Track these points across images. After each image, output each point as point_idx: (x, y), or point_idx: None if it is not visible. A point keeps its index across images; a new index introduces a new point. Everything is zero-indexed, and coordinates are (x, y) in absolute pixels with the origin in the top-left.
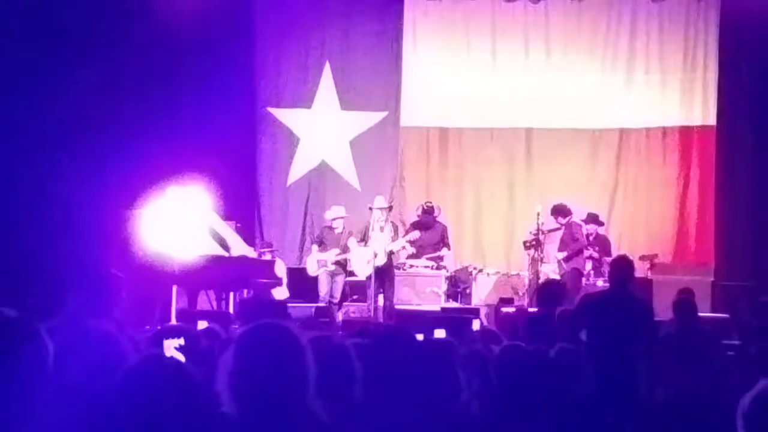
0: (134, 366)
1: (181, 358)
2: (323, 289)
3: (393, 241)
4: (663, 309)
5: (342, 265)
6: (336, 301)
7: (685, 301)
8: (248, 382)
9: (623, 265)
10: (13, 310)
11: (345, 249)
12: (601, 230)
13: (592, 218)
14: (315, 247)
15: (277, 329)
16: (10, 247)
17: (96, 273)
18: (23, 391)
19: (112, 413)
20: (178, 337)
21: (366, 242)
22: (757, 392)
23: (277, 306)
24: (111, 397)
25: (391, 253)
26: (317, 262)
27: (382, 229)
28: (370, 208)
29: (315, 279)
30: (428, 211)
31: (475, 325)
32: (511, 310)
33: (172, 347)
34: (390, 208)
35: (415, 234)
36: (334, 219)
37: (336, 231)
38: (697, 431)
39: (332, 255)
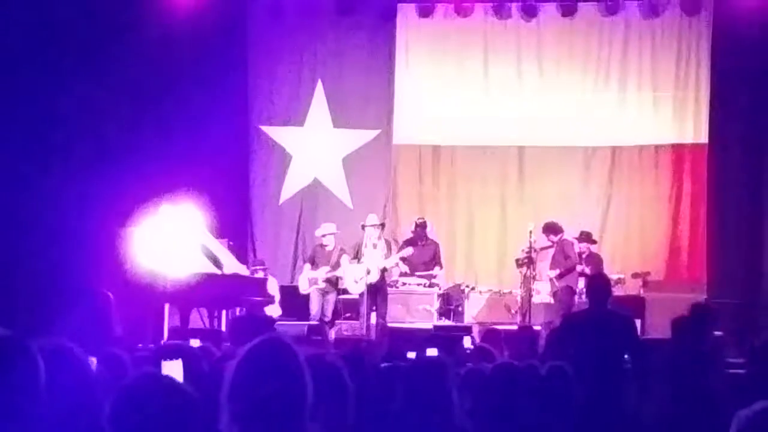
0: (129, 384)
1: (179, 377)
2: (314, 307)
3: (386, 258)
4: (656, 327)
5: (333, 282)
6: (328, 319)
7: (682, 320)
8: (247, 397)
9: (601, 283)
10: (4, 329)
11: (336, 266)
12: (594, 248)
13: (585, 236)
14: (307, 266)
15: (278, 344)
16: (3, 266)
17: (91, 293)
18: (14, 411)
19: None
20: (178, 357)
21: (359, 260)
22: (753, 413)
23: (267, 323)
24: (104, 415)
25: (384, 271)
26: (308, 280)
27: (375, 246)
28: (363, 227)
29: (307, 297)
30: (421, 226)
31: (467, 342)
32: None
33: (171, 367)
34: (382, 225)
35: (409, 250)
36: (324, 235)
37: (327, 248)
38: None
39: (323, 273)
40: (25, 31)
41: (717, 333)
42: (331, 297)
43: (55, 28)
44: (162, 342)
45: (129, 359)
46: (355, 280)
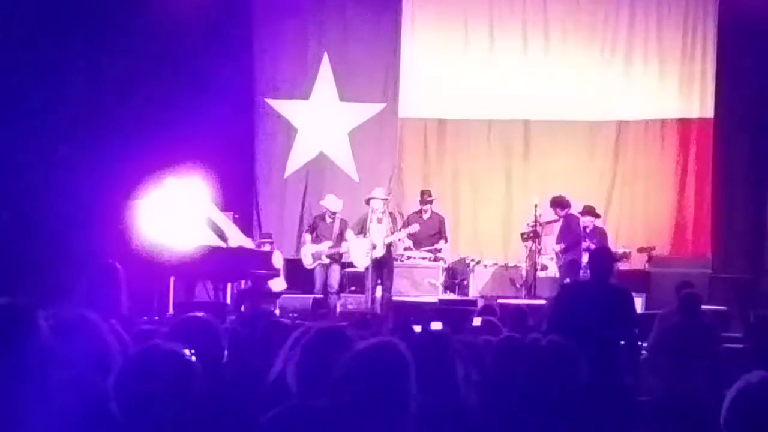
0: (134, 356)
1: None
2: (318, 281)
3: (392, 232)
4: (660, 300)
5: (336, 256)
6: (334, 290)
7: (690, 295)
8: (352, 392)
9: (603, 256)
10: (7, 297)
11: (338, 240)
12: (598, 222)
13: (588, 210)
14: (308, 237)
15: (391, 350)
16: (9, 238)
17: (100, 264)
18: (23, 378)
19: (110, 402)
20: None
21: (365, 234)
22: (741, 386)
23: (272, 296)
24: (109, 386)
25: (390, 245)
26: (311, 255)
27: (380, 220)
28: (368, 200)
29: (311, 270)
30: (427, 193)
31: (476, 322)
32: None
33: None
34: (387, 199)
35: (415, 227)
36: (332, 211)
37: (328, 221)
38: (692, 423)
39: (326, 247)
40: (33, 6)
41: (721, 308)
42: (336, 267)
43: (62, 3)
44: (167, 314)
45: (130, 331)
46: (361, 254)
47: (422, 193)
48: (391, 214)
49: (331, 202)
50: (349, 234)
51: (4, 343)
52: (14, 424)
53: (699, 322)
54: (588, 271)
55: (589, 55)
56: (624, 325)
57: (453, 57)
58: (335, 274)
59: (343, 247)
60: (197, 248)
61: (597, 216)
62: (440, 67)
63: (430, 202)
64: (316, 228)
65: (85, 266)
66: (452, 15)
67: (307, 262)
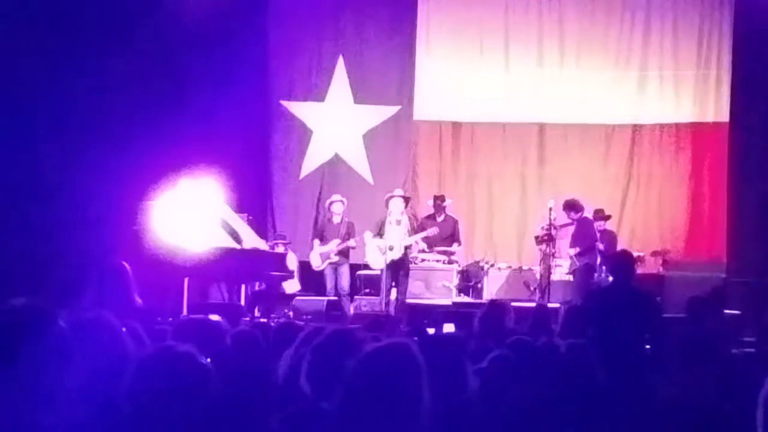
0: (147, 357)
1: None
2: (329, 283)
3: (409, 234)
4: (675, 304)
5: (345, 254)
6: (345, 293)
7: (699, 300)
8: (362, 394)
9: (625, 259)
10: (28, 299)
11: (345, 237)
12: (607, 225)
13: (598, 213)
14: (316, 242)
15: (402, 351)
16: (24, 239)
17: (109, 264)
18: (41, 379)
19: (124, 403)
20: (198, 332)
21: (382, 235)
22: None
23: (286, 298)
24: (123, 387)
25: (407, 248)
26: (320, 256)
27: (399, 222)
28: (388, 200)
29: (323, 273)
30: (440, 199)
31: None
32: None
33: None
34: (408, 199)
35: (434, 230)
36: (332, 203)
37: (335, 221)
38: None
39: (334, 245)
40: (48, 5)
41: (735, 312)
42: (345, 269)
43: (77, 2)
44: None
45: (145, 331)
46: (377, 254)
47: (435, 198)
48: (408, 216)
49: (332, 196)
50: (367, 235)
51: (24, 344)
52: (32, 425)
53: (706, 326)
54: (602, 274)
55: (605, 59)
56: (649, 328)
57: (468, 59)
58: (345, 276)
59: (351, 242)
60: (211, 250)
61: (605, 218)
62: (455, 69)
63: (443, 207)
64: (323, 231)
65: (93, 267)
66: (468, 17)
67: (316, 263)
